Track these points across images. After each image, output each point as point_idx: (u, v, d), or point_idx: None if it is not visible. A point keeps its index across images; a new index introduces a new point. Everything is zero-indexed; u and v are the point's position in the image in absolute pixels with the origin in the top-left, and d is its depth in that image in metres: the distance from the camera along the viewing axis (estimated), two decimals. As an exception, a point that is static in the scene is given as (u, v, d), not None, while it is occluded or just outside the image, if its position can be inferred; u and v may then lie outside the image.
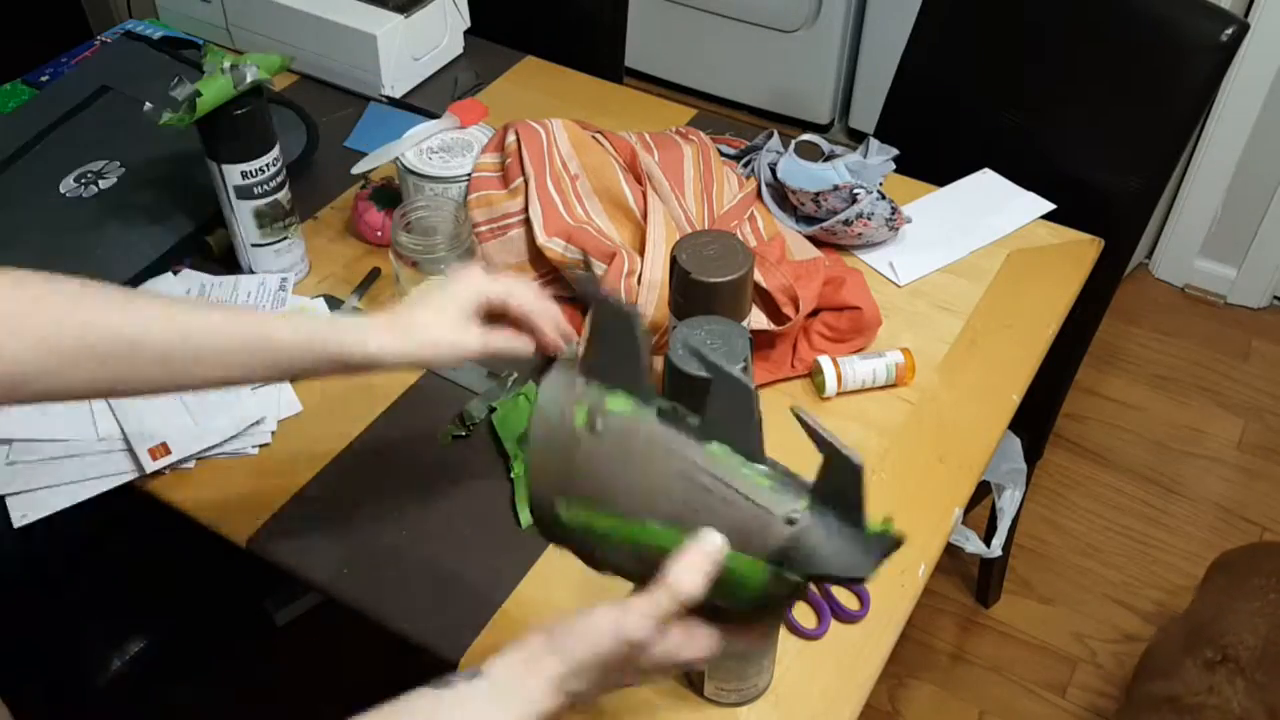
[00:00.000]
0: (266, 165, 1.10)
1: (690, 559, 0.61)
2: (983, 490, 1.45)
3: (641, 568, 0.64)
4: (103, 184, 1.23)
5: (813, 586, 0.89)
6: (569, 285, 1.12)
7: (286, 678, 1.57)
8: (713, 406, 0.63)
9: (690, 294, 0.91)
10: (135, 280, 1.14)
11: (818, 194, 1.16)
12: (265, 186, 1.10)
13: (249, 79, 1.05)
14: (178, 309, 0.75)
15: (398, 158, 1.16)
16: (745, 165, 1.26)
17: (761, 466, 0.63)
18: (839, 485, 0.61)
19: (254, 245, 1.14)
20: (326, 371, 0.78)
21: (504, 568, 0.91)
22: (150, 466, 0.97)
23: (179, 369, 0.74)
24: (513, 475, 0.97)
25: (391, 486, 0.97)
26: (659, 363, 1.02)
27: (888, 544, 0.61)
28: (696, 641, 0.63)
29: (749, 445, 0.63)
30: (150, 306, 0.75)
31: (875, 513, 0.61)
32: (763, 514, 0.61)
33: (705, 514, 0.62)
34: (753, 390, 0.62)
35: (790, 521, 0.61)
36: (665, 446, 0.63)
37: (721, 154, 1.25)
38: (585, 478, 0.65)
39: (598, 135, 1.19)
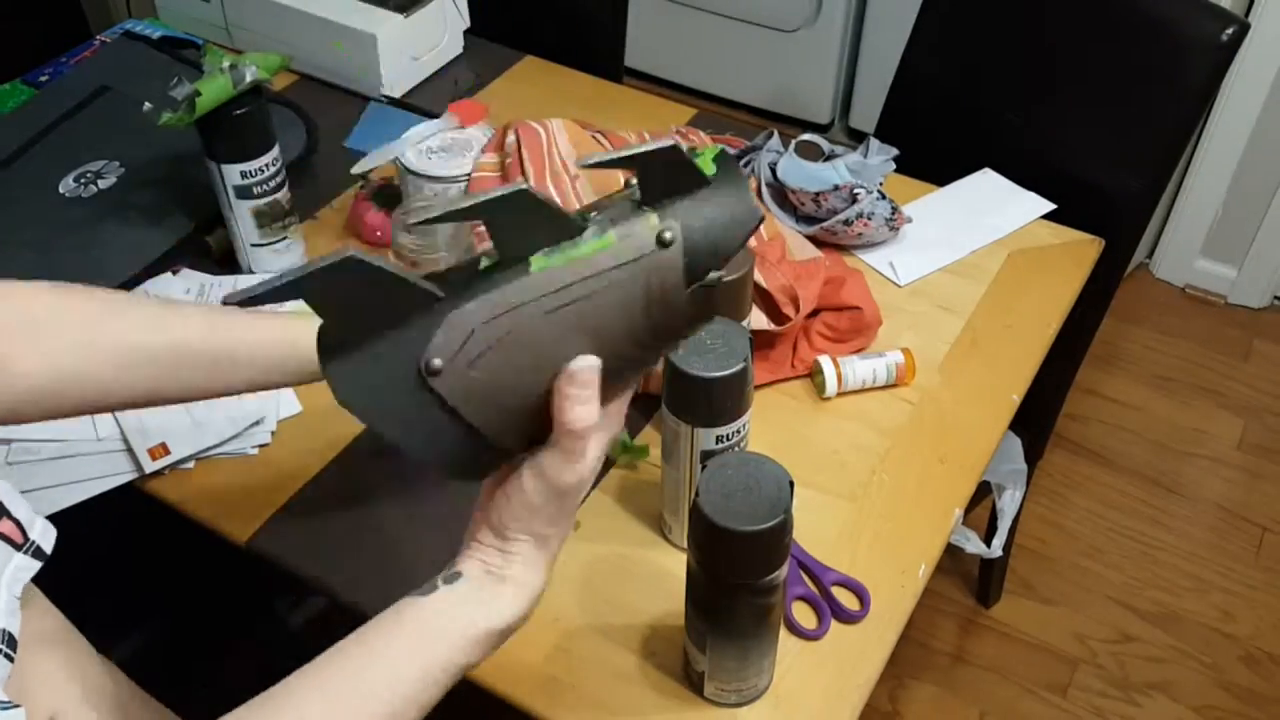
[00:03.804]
0: (266, 165, 1.09)
1: (573, 393, 0.58)
2: (983, 490, 1.45)
3: None
4: (102, 184, 1.23)
5: (811, 585, 0.90)
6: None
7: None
8: (497, 232, 0.57)
9: (690, 294, 0.91)
10: (135, 280, 1.14)
11: (818, 194, 1.16)
12: (265, 186, 1.10)
13: (248, 79, 1.05)
14: (217, 315, 0.77)
15: (398, 158, 1.16)
16: (745, 165, 1.26)
17: (588, 232, 0.57)
18: (667, 177, 0.57)
19: (253, 245, 1.14)
20: None
21: (504, 568, 0.91)
22: (150, 467, 0.97)
23: (217, 375, 0.77)
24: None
25: (391, 487, 0.97)
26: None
27: (729, 163, 0.59)
28: (611, 425, 0.62)
29: (559, 229, 0.57)
30: (191, 313, 0.77)
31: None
32: (643, 267, 0.57)
33: (601, 315, 0.58)
34: (526, 188, 0.55)
35: (665, 243, 0.57)
36: (511, 315, 0.57)
37: (721, 154, 1.25)
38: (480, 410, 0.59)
39: (598, 135, 1.19)
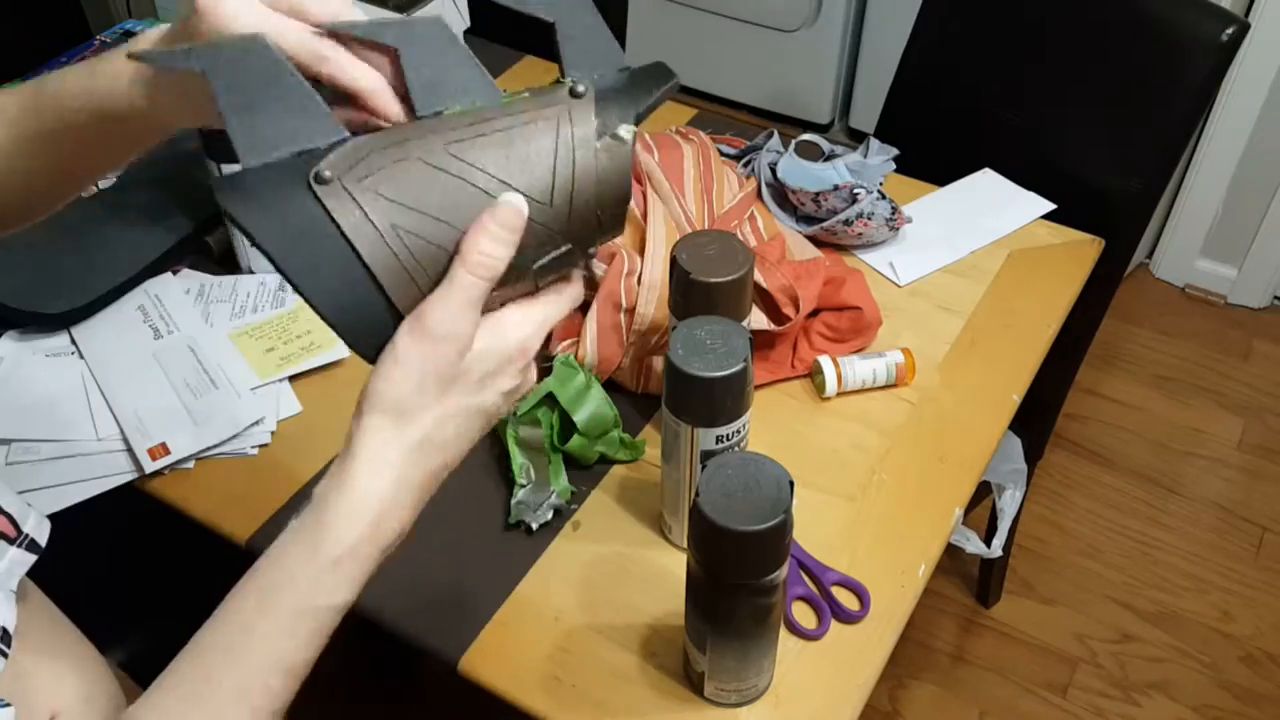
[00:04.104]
0: (266, 165, 1.09)
1: (486, 228, 0.53)
2: (983, 490, 1.45)
3: None
4: (102, 184, 1.23)
5: (811, 585, 0.90)
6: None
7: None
8: (413, 74, 0.54)
9: (690, 294, 0.91)
10: (135, 280, 1.14)
11: (818, 194, 1.16)
12: (265, 186, 1.10)
13: (248, 79, 1.05)
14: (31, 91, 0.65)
15: (397, 157, 1.16)
16: (745, 165, 1.26)
17: (503, 91, 0.57)
18: (577, 31, 0.57)
19: (253, 246, 1.14)
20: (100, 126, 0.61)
21: (504, 567, 0.91)
22: (150, 467, 0.97)
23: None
24: (513, 477, 0.96)
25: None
26: (658, 362, 1.03)
27: (659, 70, 0.59)
28: (531, 314, 0.57)
29: (474, 82, 0.56)
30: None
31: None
32: (555, 112, 0.56)
33: (508, 157, 0.55)
34: (439, 16, 0.54)
35: (577, 95, 0.56)
36: (413, 143, 0.54)
37: (722, 154, 1.25)
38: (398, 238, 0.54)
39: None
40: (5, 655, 0.57)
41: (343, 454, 0.56)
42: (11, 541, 0.62)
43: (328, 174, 0.53)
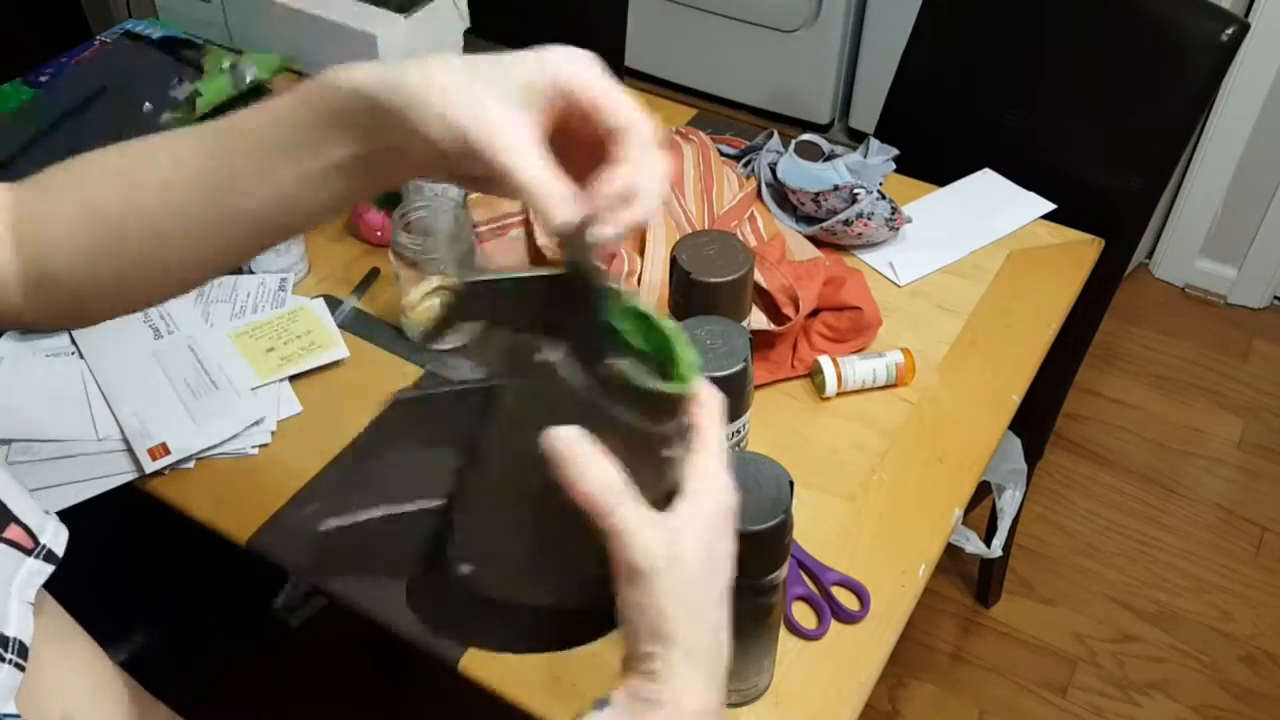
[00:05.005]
0: (266, 165, 1.09)
1: (566, 466, 0.50)
2: (983, 490, 1.45)
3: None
4: (102, 184, 1.23)
5: (811, 585, 0.90)
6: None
7: (301, 679, 1.57)
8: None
9: (690, 294, 0.91)
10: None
11: (818, 194, 1.16)
12: (265, 186, 1.10)
13: (248, 78, 1.05)
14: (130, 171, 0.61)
15: (397, 158, 1.16)
16: (745, 165, 1.26)
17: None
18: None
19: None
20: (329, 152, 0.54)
21: (504, 568, 0.91)
22: (150, 467, 0.97)
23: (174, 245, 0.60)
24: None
25: (392, 486, 0.97)
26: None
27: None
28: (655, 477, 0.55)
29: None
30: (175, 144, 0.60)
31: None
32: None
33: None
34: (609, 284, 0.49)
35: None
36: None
37: (721, 154, 1.25)
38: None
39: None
40: (23, 669, 0.57)
41: (640, 677, 0.55)
42: (28, 553, 0.62)
43: (464, 568, 0.57)
